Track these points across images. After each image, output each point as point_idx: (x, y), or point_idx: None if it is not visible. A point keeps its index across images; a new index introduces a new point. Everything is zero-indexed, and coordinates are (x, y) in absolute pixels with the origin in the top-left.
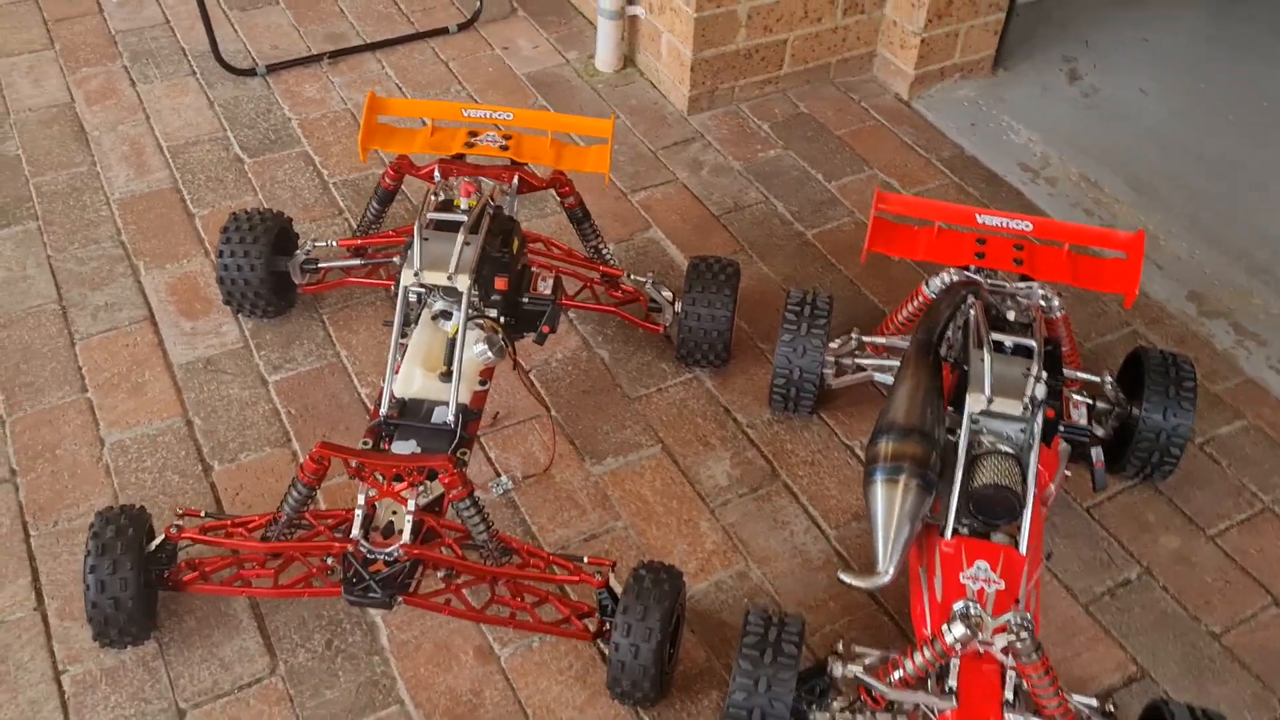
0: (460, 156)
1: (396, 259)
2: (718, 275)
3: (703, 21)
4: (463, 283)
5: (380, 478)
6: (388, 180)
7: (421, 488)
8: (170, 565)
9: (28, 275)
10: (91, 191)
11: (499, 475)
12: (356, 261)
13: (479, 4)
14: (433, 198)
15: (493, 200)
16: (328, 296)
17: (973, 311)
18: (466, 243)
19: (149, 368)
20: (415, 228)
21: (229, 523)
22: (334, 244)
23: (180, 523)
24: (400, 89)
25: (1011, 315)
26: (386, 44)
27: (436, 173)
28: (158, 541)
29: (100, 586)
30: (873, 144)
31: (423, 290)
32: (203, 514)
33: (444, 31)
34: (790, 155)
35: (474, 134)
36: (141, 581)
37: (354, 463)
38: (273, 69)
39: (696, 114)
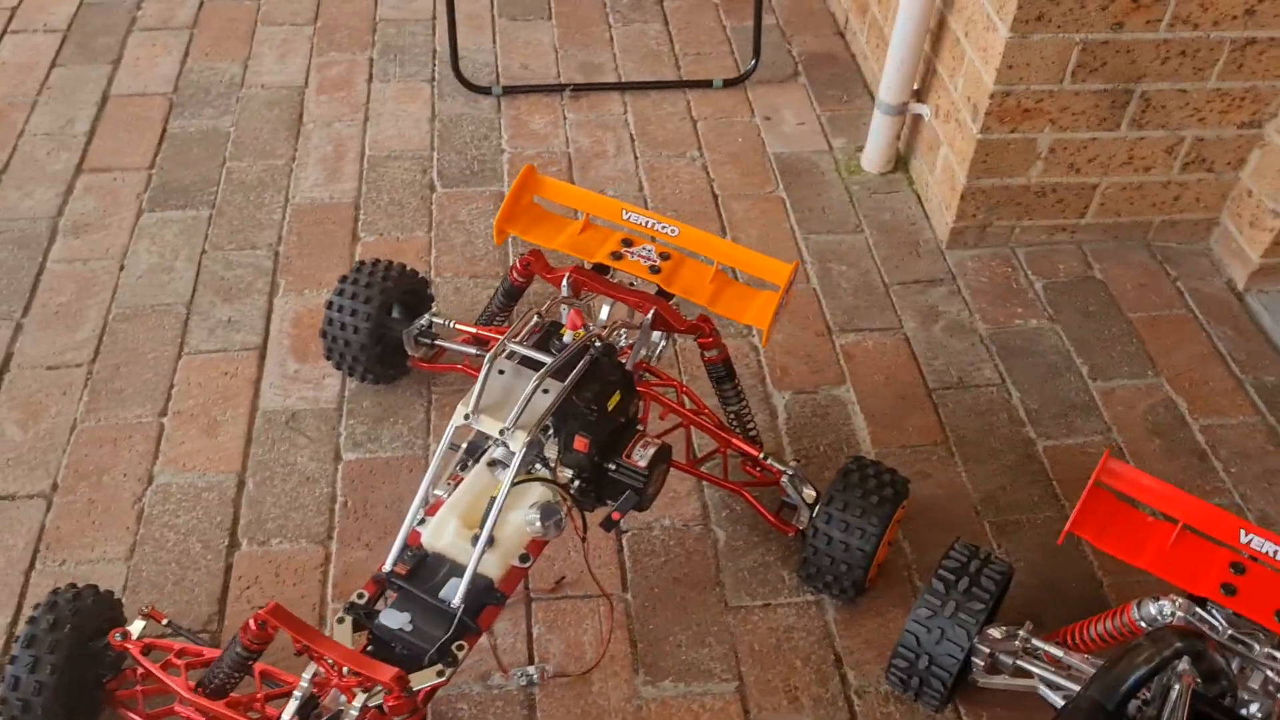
0: (602, 269)
1: None
2: (872, 494)
3: (987, 144)
4: (517, 442)
5: (331, 662)
6: (515, 275)
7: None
8: (113, 671)
9: (174, 268)
10: (275, 190)
11: (531, 661)
12: (473, 350)
13: (754, 60)
14: (536, 317)
15: (608, 337)
16: (445, 374)
17: (1178, 685)
18: (544, 389)
19: (234, 405)
20: (489, 355)
21: (177, 648)
22: (452, 324)
23: (131, 628)
24: (631, 141)
25: (1252, 710)
26: (639, 86)
27: (566, 283)
28: (103, 642)
29: (14, 683)
30: (1173, 341)
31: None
32: (165, 621)
33: (706, 85)
34: (1055, 331)
35: (628, 243)
36: (67, 685)
37: (299, 643)
38: (509, 91)
39: (956, 249)
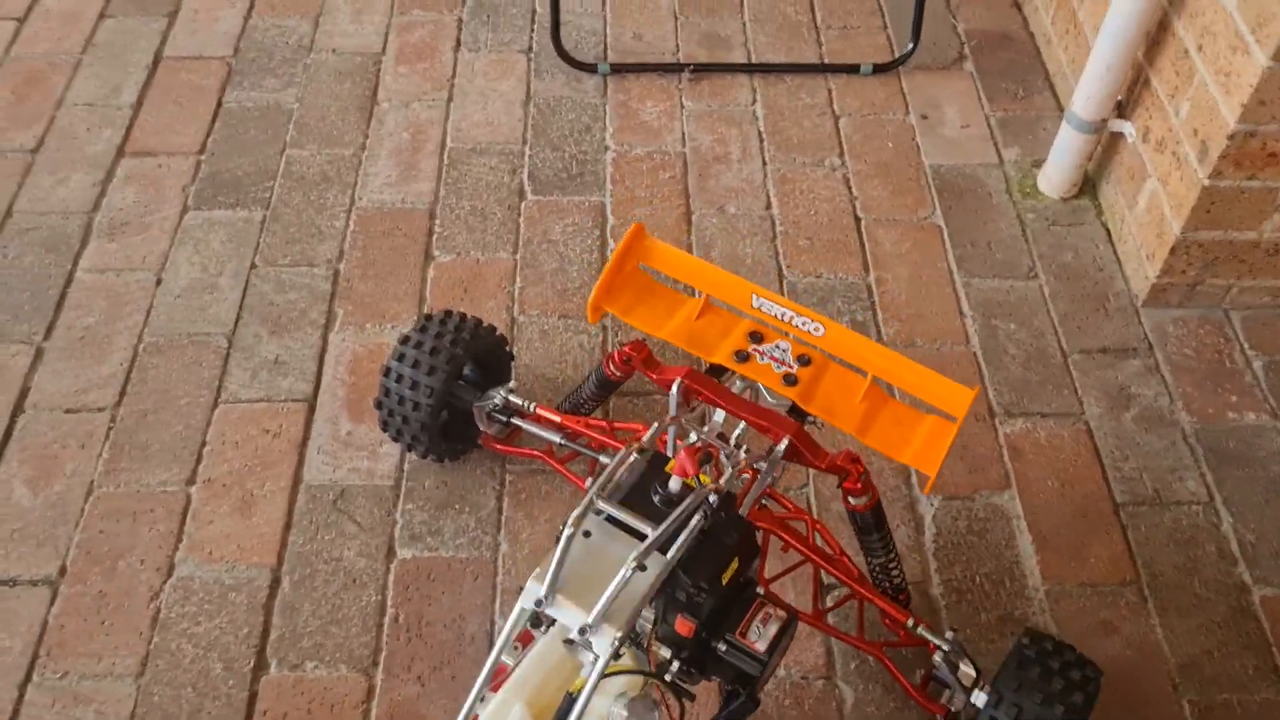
0: (720, 371)
1: (603, 460)
2: (1055, 699)
3: (1215, 192)
4: (603, 642)
5: None
6: (612, 369)
7: None
8: None
9: (218, 286)
10: (340, 188)
11: None
12: (555, 438)
13: (913, 43)
14: (636, 454)
15: (727, 483)
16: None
17: None
18: (641, 566)
19: (273, 475)
20: (572, 517)
21: None
22: (533, 406)
23: None
24: (761, 140)
25: None
26: (772, 69)
27: (675, 392)
28: None
29: None
30: None
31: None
32: None
33: (853, 70)
34: (1278, 431)
35: (757, 336)
36: None
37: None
38: (618, 70)
39: (1156, 308)
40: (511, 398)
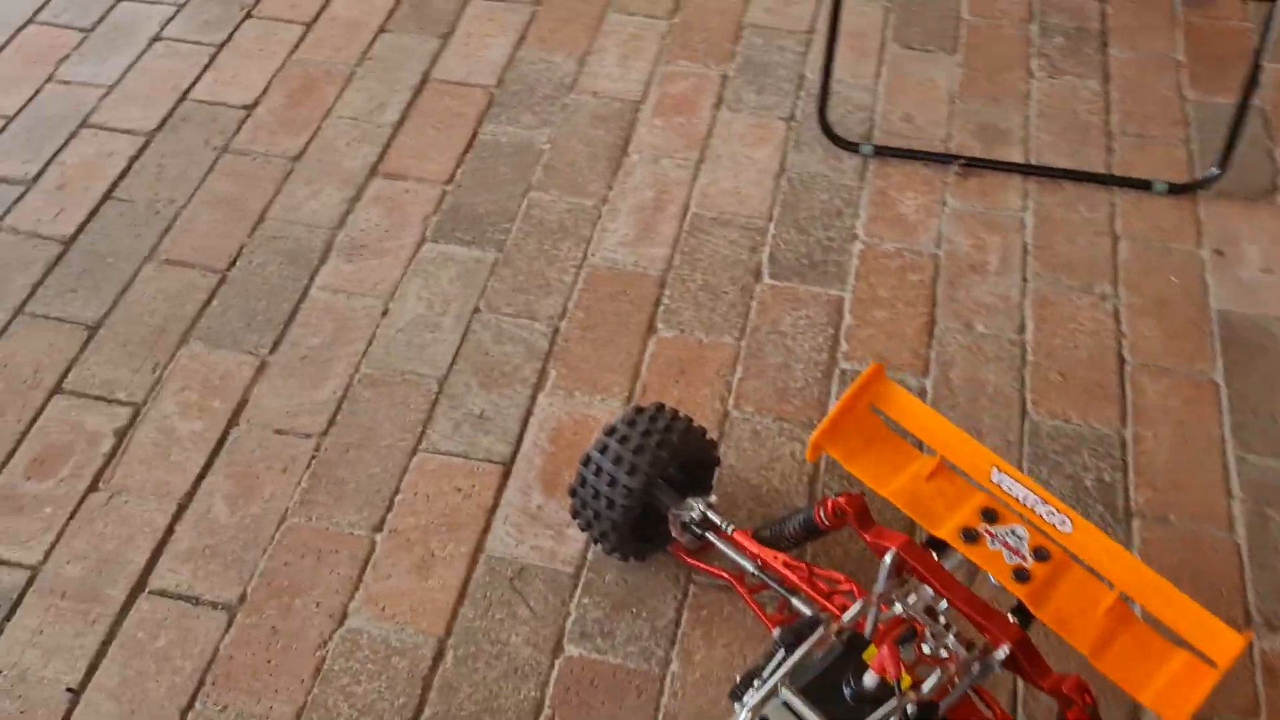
0: (941, 547)
1: (795, 603)
2: None
3: None
4: None
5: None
6: (821, 517)
7: None
8: None
9: (440, 326)
10: (575, 240)
11: None
12: (748, 566)
13: (1218, 167)
14: (835, 634)
15: (928, 690)
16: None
17: None
18: None
19: (457, 538)
20: (751, 702)
21: None
22: (731, 528)
23: None
24: (1024, 254)
25: None
26: (1051, 173)
27: (888, 561)
28: None
29: None
30: None
31: None
32: None
33: (1144, 187)
34: None
35: (990, 514)
36: None
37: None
38: (882, 152)
39: None
40: (710, 514)
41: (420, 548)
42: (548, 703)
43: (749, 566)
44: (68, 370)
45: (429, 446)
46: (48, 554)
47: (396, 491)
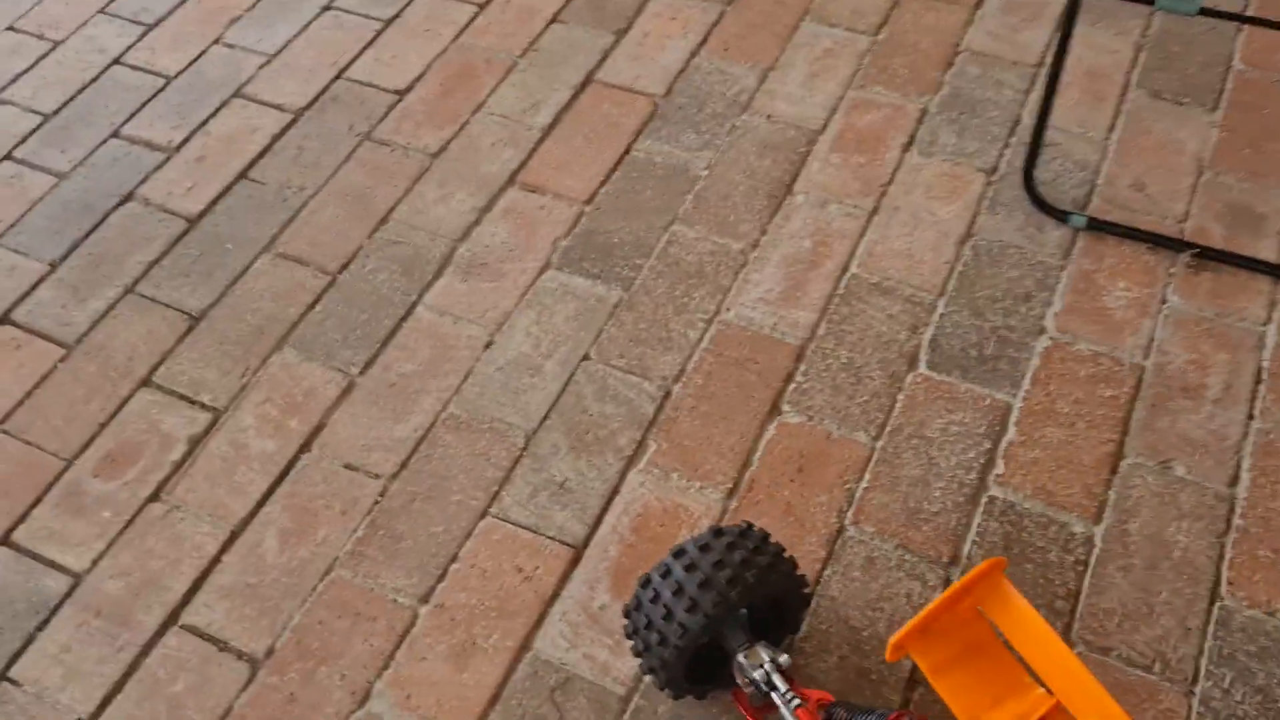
0: None
1: None
2: None
3: None
4: None
5: None
6: None
7: None
8: None
9: (543, 370)
10: (712, 288)
11: None
12: None
13: None
14: None
15: None
16: None
17: None
18: None
19: (506, 628)
20: None
21: None
22: (795, 704)
23: None
24: (1258, 380)
25: None
26: None
27: None
28: None
29: None
30: None
31: None
32: None
33: None
34: None
35: None
36: None
37: None
38: (1096, 226)
39: None
40: (776, 677)
41: (464, 631)
42: None
43: None
44: (160, 362)
45: (500, 512)
46: (95, 562)
47: (454, 560)
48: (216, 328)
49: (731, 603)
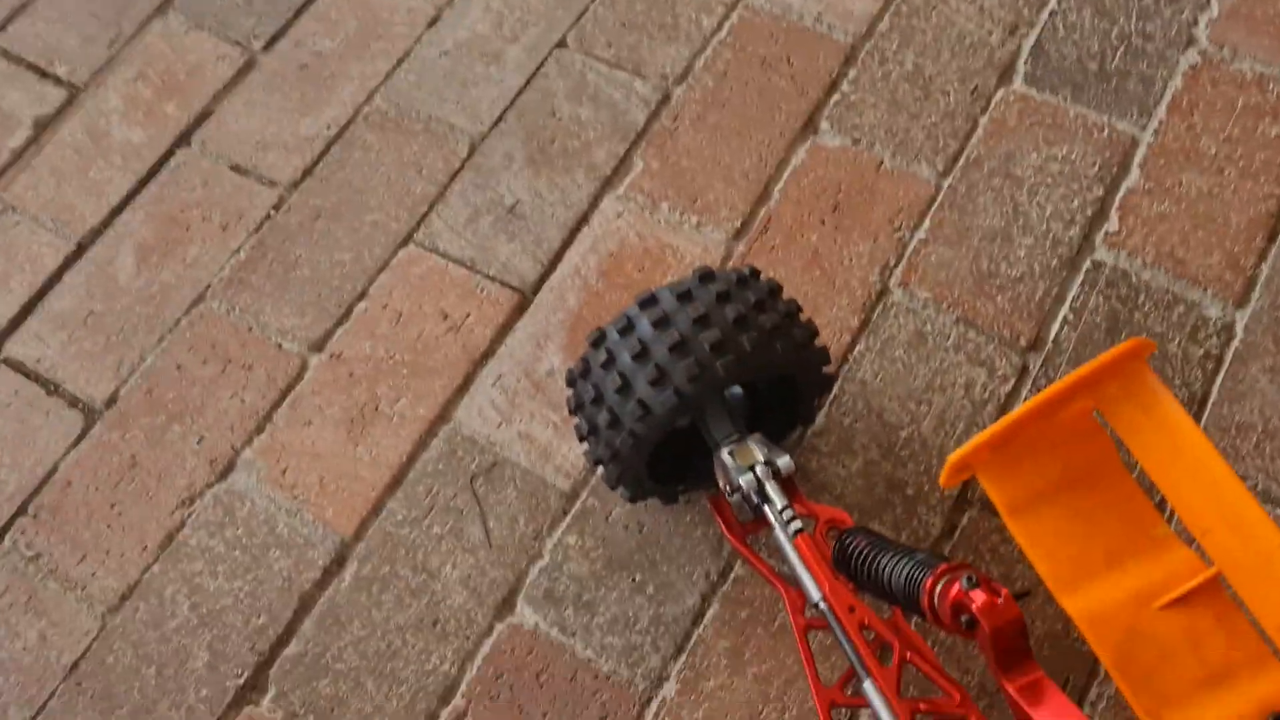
0: None
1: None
2: None
3: None
4: None
5: None
6: (931, 600)
7: None
8: None
9: (502, 57)
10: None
11: None
12: (811, 592)
13: None
14: None
15: None
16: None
17: None
18: None
19: (420, 393)
20: None
21: None
22: (795, 527)
23: None
24: None
25: None
26: None
27: None
28: None
29: None
30: None
31: None
32: None
33: None
34: None
35: None
36: None
37: None
38: None
39: None
40: (770, 486)
41: (364, 391)
42: (463, 687)
43: (812, 593)
44: (8, 21)
45: (427, 239)
46: None
47: (361, 297)
48: None
49: (715, 377)
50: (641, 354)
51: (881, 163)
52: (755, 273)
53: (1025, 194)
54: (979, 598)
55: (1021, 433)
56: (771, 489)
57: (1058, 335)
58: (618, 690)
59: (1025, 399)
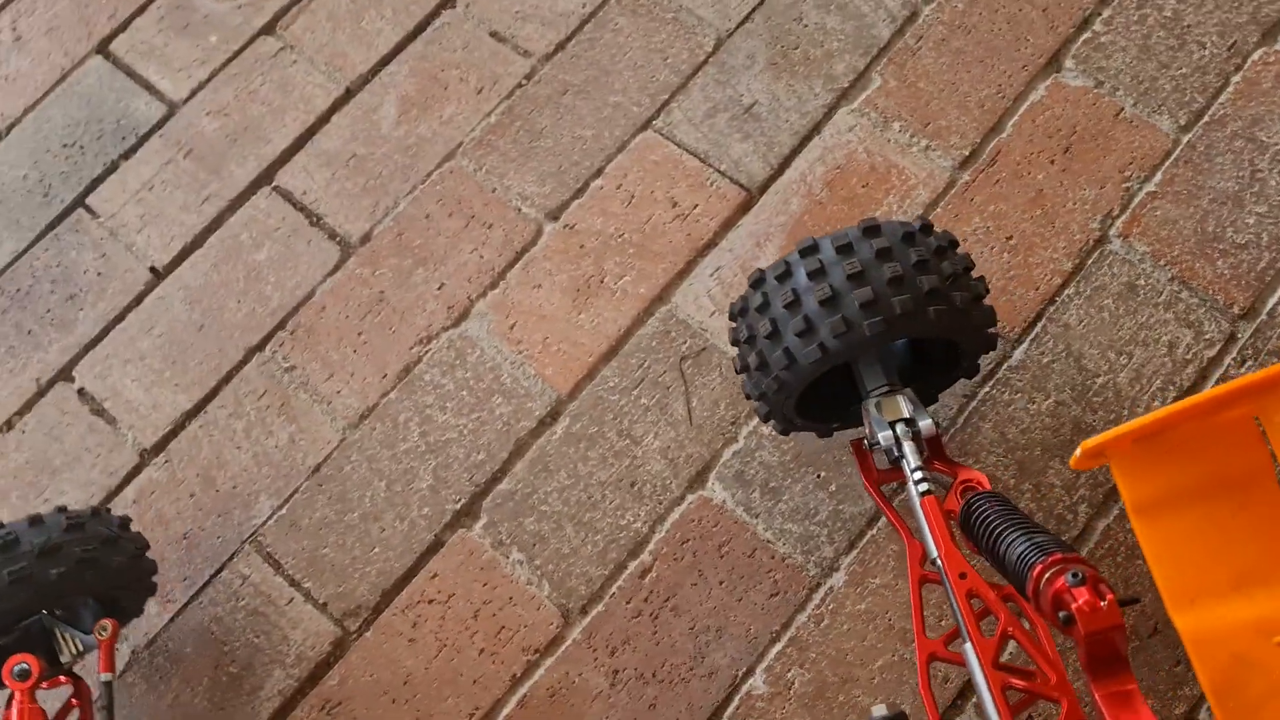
0: None
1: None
2: None
3: None
4: None
5: None
6: (1036, 588)
7: None
8: None
9: None
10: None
11: None
12: (930, 548)
13: None
14: None
15: None
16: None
17: None
18: None
19: (642, 271)
20: None
21: None
22: (925, 486)
23: None
24: None
25: None
26: None
27: None
28: None
29: None
30: None
31: None
32: None
33: None
34: None
35: None
36: None
37: None
38: None
39: None
40: (908, 446)
41: (592, 263)
42: (651, 545)
43: (931, 549)
44: None
45: (664, 127)
46: (193, 93)
47: (597, 174)
48: None
49: (861, 336)
50: (793, 303)
51: (1122, 110)
52: (927, 227)
53: (1267, 161)
54: (1081, 596)
55: (1170, 428)
56: (909, 448)
57: (1274, 308)
58: (791, 572)
59: (1228, 367)
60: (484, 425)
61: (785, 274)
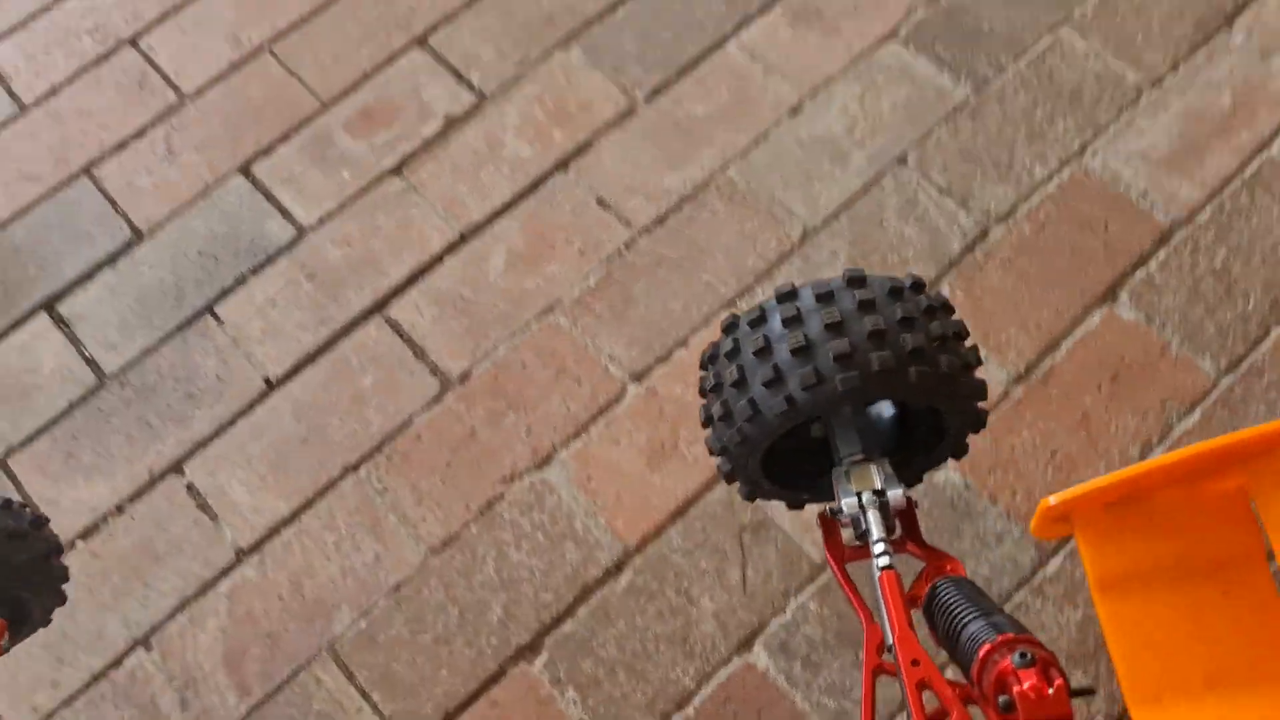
0: None
1: None
2: None
3: None
4: None
5: None
6: (979, 670)
7: None
8: None
9: (848, 159)
10: (1081, 121)
11: None
12: (886, 634)
13: None
14: None
15: None
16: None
17: None
18: None
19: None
20: None
21: None
22: (886, 560)
23: None
24: None
25: None
26: None
27: None
28: None
29: None
30: None
31: None
32: None
33: None
34: None
35: None
36: None
37: None
38: None
39: None
40: (872, 518)
41: (669, 428)
42: (696, 702)
43: (886, 634)
44: (440, 23)
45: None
46: (321, 221)
47: (682, 345)
48: (509, 2)
49: (833, 390)
50: (763, 350)
51: (1168, 346)
52: (919, 284)
53: None
54: (1027, 679)
55: (1148, 494)
56: (872, 518)
57: None
58: None
59: None
60: (554, 568)
61: (759, 319)
